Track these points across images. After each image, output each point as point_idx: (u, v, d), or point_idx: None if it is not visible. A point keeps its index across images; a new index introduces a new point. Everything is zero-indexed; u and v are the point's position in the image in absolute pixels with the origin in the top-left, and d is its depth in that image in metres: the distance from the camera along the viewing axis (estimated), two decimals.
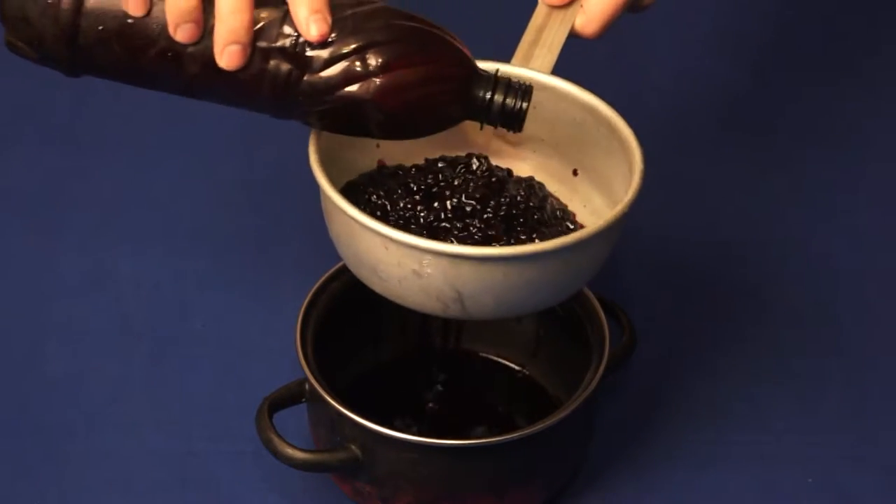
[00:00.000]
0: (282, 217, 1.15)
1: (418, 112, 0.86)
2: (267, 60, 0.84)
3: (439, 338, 1.03)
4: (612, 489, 0.98)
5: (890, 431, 1.02)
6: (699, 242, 1.15)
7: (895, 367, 1.06)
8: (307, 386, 0.94)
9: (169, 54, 0.84)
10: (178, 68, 0.85)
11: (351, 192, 0.91)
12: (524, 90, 0.88)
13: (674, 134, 1.24)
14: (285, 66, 0.84)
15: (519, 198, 0.90)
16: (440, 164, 0.93)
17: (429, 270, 0.84)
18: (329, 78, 0.84)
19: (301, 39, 0.84)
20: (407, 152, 0.95)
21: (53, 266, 1.12)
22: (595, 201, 0.94)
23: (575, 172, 0.95)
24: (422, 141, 0.93)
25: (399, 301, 0.87)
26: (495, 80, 0.87)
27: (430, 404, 1.01)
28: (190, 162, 1.21)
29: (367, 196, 0.90)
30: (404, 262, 0.84)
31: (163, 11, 0.83)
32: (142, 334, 1.07)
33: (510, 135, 0.95)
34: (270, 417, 0.93)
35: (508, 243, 0.88)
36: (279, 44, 0.84)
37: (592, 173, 0.94)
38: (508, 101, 0.87)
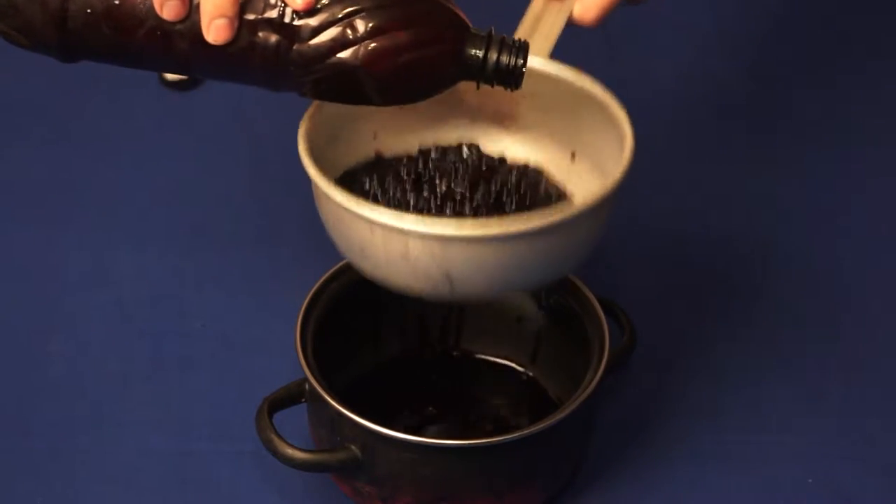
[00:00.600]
0: (282, 217, 1.15)
1: (411, 75, 0.86)
2: (255, 33, 0.84)
3: (439, 338, 1.04)
4: (612, 489, 0.98)
5: (890, 431, 1.02)
6: (699, 242, 1.15)
7: (895, 368, 1.06)
8: (307, 386, 0.94)
9: (158, 33, 0.84)
10: (169, 46, 0.85)
11: (346, 181, 0.91)
12: (519, 46, 0.87)
13: (674, 134, 1.24)
14: (274, 38, 0.84)
15: (510, 185, 0.90)
16: (432, 154, 0.93)
17: (416, 252, 0.84)
18: (318, 46, 0.84)
19: (288, 9, 0.84)
20: (404, 142, 0.95)
21: (54, 265, 1.12)
22: (593, 184, 0.93)
23: (573, 156, 0.95)
24: (418, 130, 0.94)
25: (388, 284, 0.87)
26: (489, 38, 0.87)
27: (430, 405, 1.01)
28: (190, 162, 1.21)
29: (360, 184, 0.91)
30: (391, 243, 0.84)
31: None
32: (142, 334, 1.07)
33: (508, 120, 0.95)
34: (270, 417, 0.93)
35: None
36: (266, 15, 0.84)
37: (589, 156, 0.94)
38: (503, 58, 0.87)
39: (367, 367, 1.02)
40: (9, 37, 0.86)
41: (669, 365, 1.05)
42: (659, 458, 1.00)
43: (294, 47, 0.84)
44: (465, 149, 0.93)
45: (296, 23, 0.84)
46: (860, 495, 0.98)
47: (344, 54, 0.84)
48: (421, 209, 0.89)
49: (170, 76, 1.24)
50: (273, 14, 0.84)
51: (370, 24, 0.84)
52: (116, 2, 0.84)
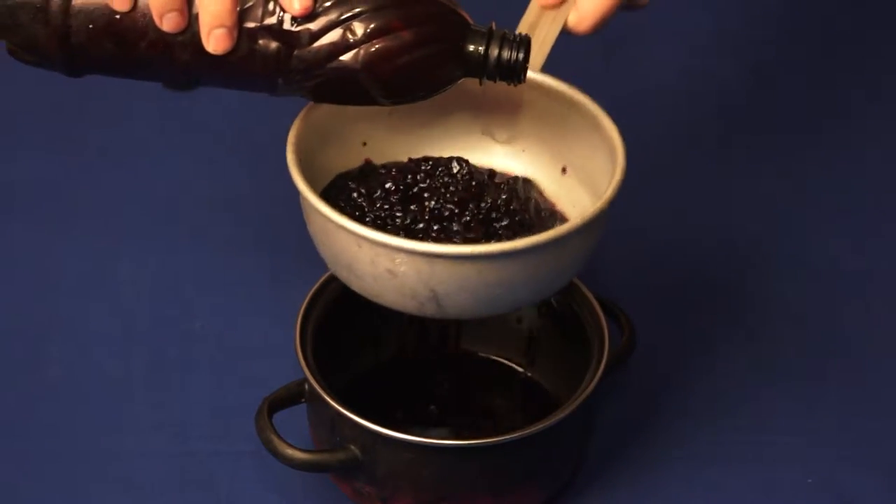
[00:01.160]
0: (282, 217, 1.14)
1: (413, 75, 0.86)
2: (255, 40, 0.84)
3: (439, 338, 1.03)
4: (612, 489, 0.98)
5: (890, 431, 1.02)
6: (699, 242, 1.15)
7: (895, 368, 1.06)
8: (307, 386, 0.94)
9: (160, 45, 0.85)
10: (171, 58, 0.85)
11: (335, 189, 0.92)
12: (520, 41, 0.87)
13: (674, 134, 1.24)
14: (274, 44, 0.84)
15: (500, 201, 0.90)
16: (422, 166, 0.93)
17: (402, 269, 0.84)
18: (318, 51, 0.84)
19: (287, 15, 0.84)
20: (394, 151, 0.95)
21: (54, 267, 1.12)
22: (583, 199, 0.93)
23: (564, 170, 0.95)
24: (411, 139, 0.94)
25: (376, 300, 0.87)
26: (489, 34, 0.87)
27: (431, 406, 1.01)
28: (190, 162, 1.21)
29: (349, 193, 0.91)
30: (377, 260, 0.84)
31: (147, 4, 0.84)
32: (142, 334, 1.07)
33: (500, 133, 0.95)
34: (270, 418, 0.93)
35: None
36: (266, 22, 0.84)
37: (580, 171, 0.94)
38: (504, 53, 0.87)
39: (367, 367, 1.02)
40: (15, 53, 0.87)
41: (669, 365, 1.05)
42: (659, 458, 1.00)
43: (294, 53, 0.85)
44: (454, 163, 0.93)
45: (295, 28, 0.84)
46: (860, 495, 0.98)
47: (344, 58, 0.84)
48: (408, 225, 0.89)
49: None
50: (272, 21, 0.84)
51: (369, 27, 0.84)
52: (117, 16, 0.84)
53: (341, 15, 0.84)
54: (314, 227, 0.88)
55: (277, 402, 0.95)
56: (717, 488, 0.98)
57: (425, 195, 0.91)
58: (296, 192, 0.88)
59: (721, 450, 1.00)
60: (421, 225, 0.89)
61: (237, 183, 1.19)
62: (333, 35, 0.84)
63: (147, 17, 0.84)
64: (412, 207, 0.90)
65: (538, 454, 0.93)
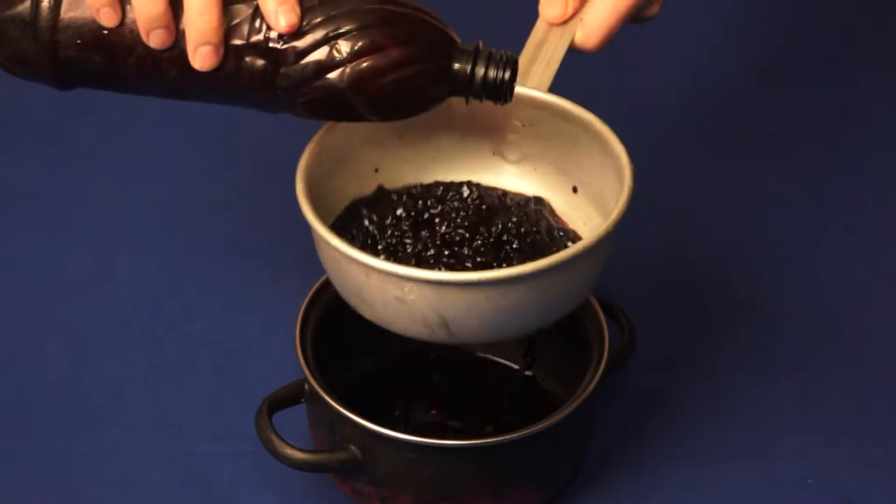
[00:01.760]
0: (281, 218, 1.14)
1: (399, 94, 0.86)
2: (242, 58, 0.85)
3: None
4: (612, 489, 0.98)
5: (890, 431, 1.02)
6: (699, 242, 1.15)
7: (895, 368, 1.06)
8: (307, 386, 0.94)
9: (147, 61, 0.85)
10: (159, 73, 0.86)
11: (348, 216, 0.92)
12: (506, 60, 0.87)
13: (676, 134, 1.24)
14: (260, 62, 0.85)
15: (510, 224, 0.91)
16: (434, 191, 0.93)
17: (412, 297, 0.84)
18: (304, 69, 0.84)
19: (273, 33, 0.84)
20: (405, 176, 0.95)
21: (54, 267, 1.12)
22: (594, 218, 0.94)
23: (574, 189, 0.95)
24: (423, 163, 0.95)
25: (387, 327, 0.88)
26: (476, 53, 0.87)
27: (430, 406, 1.01)
28: (189, 163, 1.21)
29: (361, 220, 0.91)
30: (386, 288, 0.85)
31: (134, 20, 0.84)
32: (141, 335, 1.07)
33: (511, 153, 0.95)
34: (270, 418, 0.93)
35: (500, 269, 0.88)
36: (252, 40, 0.84)
37: (590, 189, 0.94)
38: (490, 72, 0.86)
39: (367, 367, 1.02)
40: (6, 66, 0.87)
41: (669, 365, 1.05)
42: (659, 457, 1.00)
43: (281, 71, 0.85)
44: (465, 188, 0.93)
45: (281, 46, 0.84)
46: (860, 495, 0.98)
47: (330, 76, 0.84)
48: (419, 252, 0.89)
49: None
50: (258, 38, 0.84)
51: (355, 46, 0.84)
52: (105, 31, 0.85)
53: (327, 33, 0.84)
54: (324, 256, 0.89)
55: (277, 402, 0.95)
56: (717, 488, 0.98)
57: (436, 220, 0.91)
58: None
59: (721, 449, 1.00)
60: (432, 251, 0.89)
61: (238, 183, 1.19)
62: (319, 53, 0.84)
63: (134, 32, 0.85)
64: (423, 233, 0.90)
65: (538, 454, 0.93)
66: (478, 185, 0.94)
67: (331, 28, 0.84)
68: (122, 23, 0.84)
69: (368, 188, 0.95)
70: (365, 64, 0.84)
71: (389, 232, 0.91)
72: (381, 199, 0.94)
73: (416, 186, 0.95)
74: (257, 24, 0.84)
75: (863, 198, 1.19)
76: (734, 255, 1.14)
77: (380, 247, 0.90)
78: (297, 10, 0.84)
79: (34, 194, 1.18)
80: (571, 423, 0.92)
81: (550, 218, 0.94)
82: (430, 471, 0.92)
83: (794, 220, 1.17)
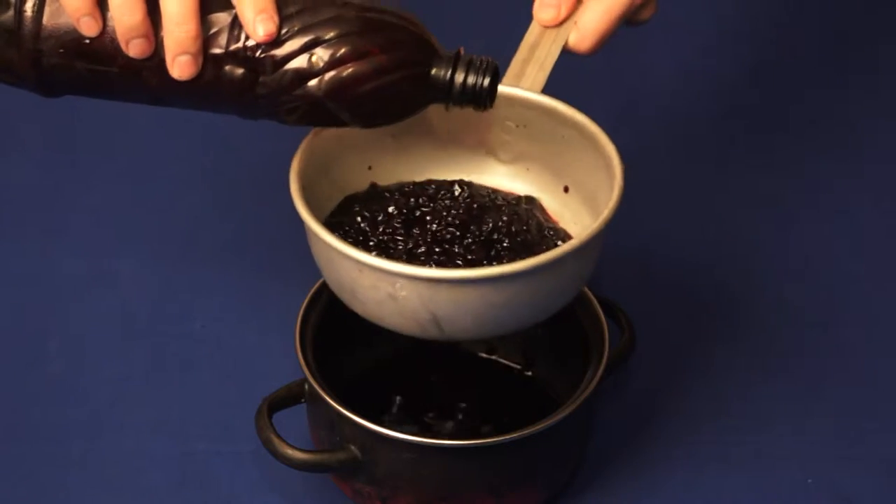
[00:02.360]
0: (282, 218, 1.14)
1: (378, 102, 0.86)
2: (221, 66, 0.85)
3: None
4: (612, 489, 0.98)
5: (890, 431, 1.02)
6: (699, 242, 1.15)
7: (895, 368, 1.06)
8: (307, 386, 0.94)
9: (129, 69, 0.85)
10: (140, 82, 0.86)
11: (341, 212, 0.93)
12: (486, 66, 0.87)
13: (673, 134, 1.24)
14: (239, 71, 0.85)
15: (501, 223, 0.91)
16: (426, 189, 0.93)
17: (403, 293, 0.84)
18: (282, 78, 0.84)
19: (251, 42, 0.84)
20: (399, 174, 0.95)
21: (54, 267, 1.12)
22: (585, 217, 0.94)
23: (566, 189, 0.96)
24: (416, 161, 0.95)
25: (378, 323, 0.88)
26: (455, 59, 0.87)
27: (430, 406, 1.01)
28: (190, 163, 1.21)
29: (353, 217, 0.91)
30: (379, 285, 0.85)
31: (115, 29, 0.84)
32: (142, 335, 1.07)
33: (503, 153, 0.95)
34: (270, 418, 0.93)
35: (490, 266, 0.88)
36: (231, 48, 0.84)
37: (582, 189, 0.94)
38: (469, 79, 0.86)
39: (367, 367, 1.02)
40: None
41: (669, 365, 1.05)
42: (659, 458, 1.00)
43: (260, 80, 0.85)
44: (456, 187, 0.94)
45: (259, 55, 0.84)
46: (860, 495, 0.98)
47: (308, 86, 0.84)
48: (411, 249, 0.90)
49: None
50: (237, 47, 0.84)
51: (332, 54, 0.84)
52: (87, 41, 0.85)
53: (305, 42, 0.84)
54: (317, 253, 0.89)
55: (277, 402, 0.95)
56: (717, 488, 0.98)
57: (428, 218, 0.91)
58: None
59: (721, 450, 1.00)
60: (423, 248, 0.90)
61: (238, 183, 1.19)
62: (298, 62, 0.84)
63: (115, 41, 0.85)
64: (415, 231, 0.91)
65: (538, 454, 0.93)
66: (469, 184, 0.95)
67: (309, 37, 0.84)
68: (103, 32, 0.85)
69: (361, 185, 0.95)
70: (343, 72, 0.84)
71: (381, 229, 0.91)
72: (374, 197, 0.94)
73: (408, 184, 0.95)
74: (236, 32, 0.84)
75: (859, 198, 1.19)
76: (734, 255, 1.14)
77: (371, 243, 0.90)
78: (276, 18, 0.84)
79: (34, 195, 1.18)
80: (571, 423, 0.92)
81: (541, 217, 0.95)
82: (430, 471, 0.92)
83: (791, 220, 1.17)
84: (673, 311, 1.09)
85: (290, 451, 0.92)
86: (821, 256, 1.14)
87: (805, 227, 1.16)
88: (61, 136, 1.23)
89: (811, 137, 1.24)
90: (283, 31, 0.84)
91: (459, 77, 0.86)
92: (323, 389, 0.91)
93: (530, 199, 0.95)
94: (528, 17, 0.94)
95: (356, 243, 0.89)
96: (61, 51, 0.85)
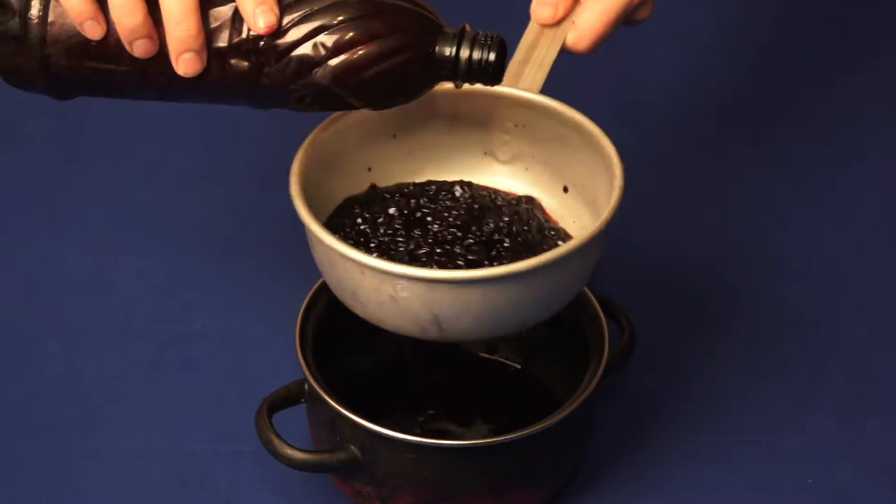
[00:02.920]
0: (282, 217, 1.14)
1: (384, 85, 0.86)
2: (226, 60, 0.85)
3: None
4: (612, 489, 0.98)
5: (890, 431, 1.02)
6: (699, 242, 1.15)
7: (895, 368, 1.06)
8: (307, 386, 0.94)
9: (136, 69, 0.86)
10: (148, 80, 0.86)
11: (341, 214, 0.93)
12: (492, 40, 0.86)
13: (673, 134, 1.24)
14: (244, 63, 0.85)
15: (502, 223, 0.91)
16: (426, 190, 0.94)
17: (405, 294, 0.84)
18: (287, 68, 0.85)
19: (253, 34, 0.84)
20: (400, 174, 0.95)
21: (54, 266, 1.12)
22: (585, 217, 0.94)
23: (566, 189, 0.96)
24: (415, 162, 0.95)
25: (379, 324, 0.88)
26: (460, 36, 0.86)
27: (430, 406, 1.01)
28: (190, 163, 1.21)
29: (354, 219, 0.91)
30: (381, 287, 0.85)
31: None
32: (142, 334, 1.07)
33: (502, 153, 0.95)
34: (270, 418, 0.93)
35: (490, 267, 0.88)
36: (234, 42, 0.85)
37: (581, 190, 0.95)
38: (475, 54, 0.86)
39: (367, 367, 1.02)
40: (6, 80, 0.88)
41: (669, 365, 1.05)
42: (659, 458, 1.00)
43: (265, 70, 0.85)
44: (457, 187, 0.94)
45: (262, 46, 0.84)
46: (860, 495, 0.98)
47: (313, 74, 0.85)
48: (412, 250, 0.90)
49: None
50: (240, 40, 0.85)
51: (335, 41, 0.84)
52: (92, 44, 0.85)
53: (307, 31, 0.84)
54: (318, 255, 0.89)
55: (277, 402, 0.95)
56: (717, 488, 0.98)
57: (428, 219, 0.91)
58: None
59: (721, 450, 1.00)
60: (424, 249, 0.90)
61: (238, 183, 1.19)
62: (301, 51, 0.84)
63: (120, 43, 0.85)
64: (415, 232, 0.91)
65: (538, 454, 0.93)
66: (470, 185, 0.95)
67: (310, 25, 0.84)
68: (107, 34, 0.85)
69: (361, 187, 0.95)
70: (346, 59, 0.84)
71: (382, 230, 0.91)
72: (374, 198, 0.94)
73: (408, 185, 0.95)
74: (238, 25, 0.84)
75: (859, 197, 1.19)
76: (733, 255, 1.14)
77: (372, 245, 0.90)
78: (276, 9, 0.84)
79: (35, 193, 1.18)
80: (571, 423, 0.92)
81: (542, 217, 0.95)
82: (430, 471, 0.92)
83: (790, 219, 1.17)
84: (673, 311, 1.09)
85: (290, 452, 0.92)
86: (821, 256, 1.14)
87: (805, 227, 1.16)
88: (61, 135, 1.23)
89: (811, 137, 1.24)
90: (285, 20, 0.84)
91: (465, 53, 0.86)
92: (323, 389, 0.91)
93: (530, 199, 0.95)
94: (526, 18, 0.94)
95: (357, 245, 0.89)
96: (68, 55, 0.86)
